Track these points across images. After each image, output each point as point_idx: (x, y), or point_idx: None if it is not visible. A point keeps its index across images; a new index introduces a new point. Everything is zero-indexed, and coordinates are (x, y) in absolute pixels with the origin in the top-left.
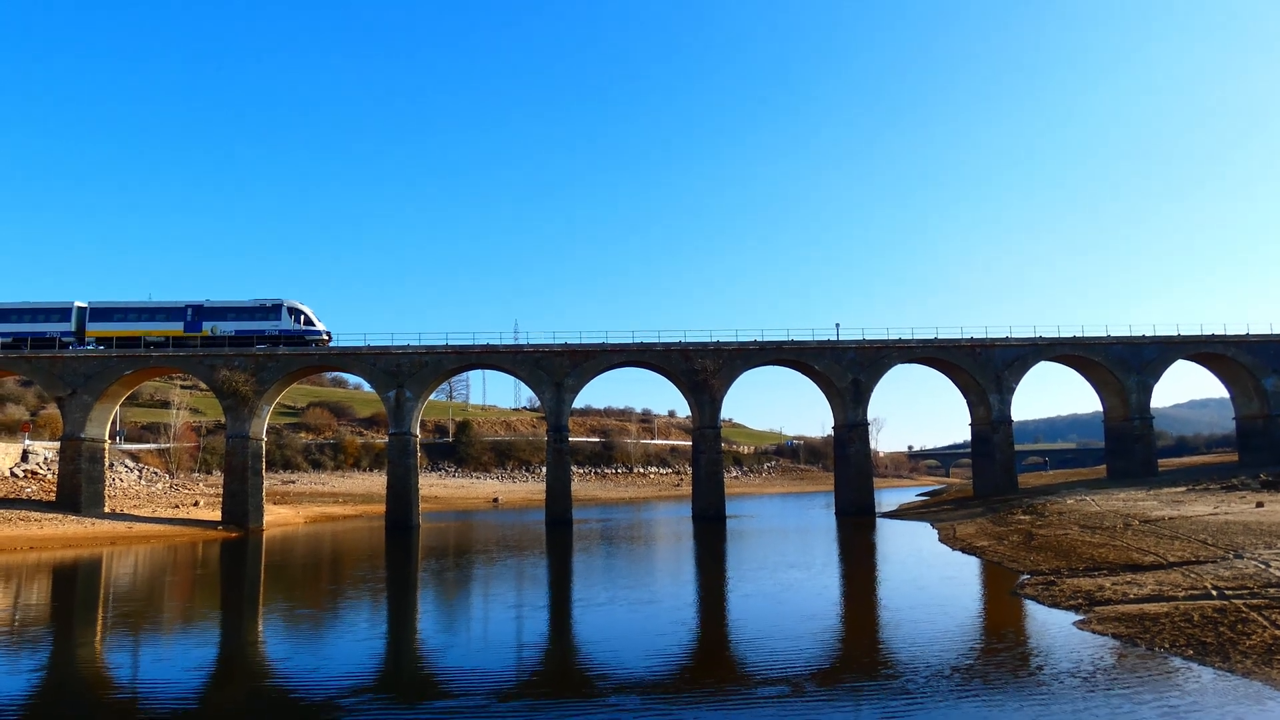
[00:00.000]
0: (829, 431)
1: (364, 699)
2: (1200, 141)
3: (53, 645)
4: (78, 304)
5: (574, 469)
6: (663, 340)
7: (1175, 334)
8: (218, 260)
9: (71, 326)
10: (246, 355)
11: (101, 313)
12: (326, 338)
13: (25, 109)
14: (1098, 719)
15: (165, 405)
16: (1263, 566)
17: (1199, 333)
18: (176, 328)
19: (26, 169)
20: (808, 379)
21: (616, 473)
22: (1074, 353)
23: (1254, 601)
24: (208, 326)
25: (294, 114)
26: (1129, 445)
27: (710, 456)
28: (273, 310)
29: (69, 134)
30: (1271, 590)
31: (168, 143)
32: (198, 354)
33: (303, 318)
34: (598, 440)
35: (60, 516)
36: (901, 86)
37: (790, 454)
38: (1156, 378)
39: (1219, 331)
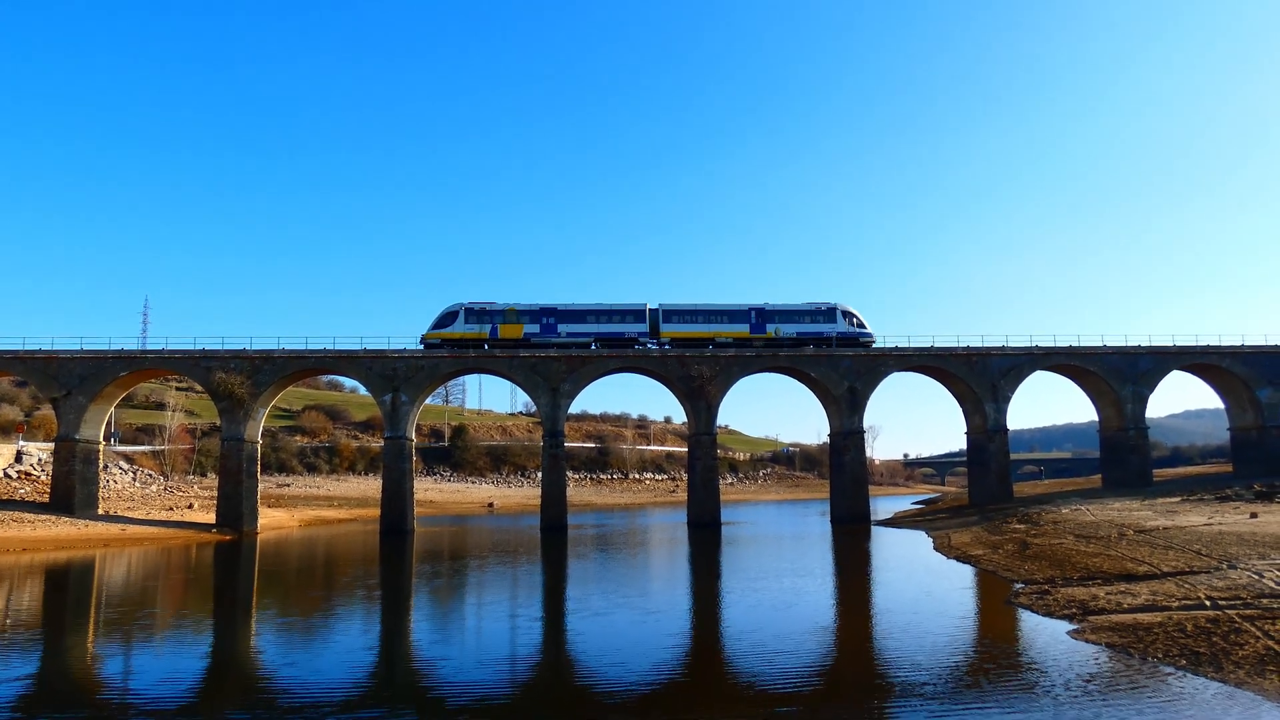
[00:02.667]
0: (825, 439)
1: (356, 713)
2: (1197, 154)
3: (44, 648)
4: (650, 306)
5: (570, 474)
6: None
7: (1171, 345)
8: (212, 261)
9: (646, 327)
10: (242, 357)
11: (672, 314)
12: (872, 340)
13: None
14: None
15: (160, 407)
16: (1256, 577)
17: (1194, 344)
18: (742, 329)
19: (25, 170)
20: (804, 386)
21: (612, 478)
22: (1070, 362)
23: (1247, 612)
24: (771, 328)
25: (288, 114)
26: (1124, 455)
27: (706, 463)
28: (828, 313)
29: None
30: (1265, 601)
31: (156, 144)
32: (194, 356)
33: (855, 320)
34: (593, 446)
35: (54, 518)
36: (899, 97)
37: (786, 461)
38: (1152, 388)
39: (1214, 343)
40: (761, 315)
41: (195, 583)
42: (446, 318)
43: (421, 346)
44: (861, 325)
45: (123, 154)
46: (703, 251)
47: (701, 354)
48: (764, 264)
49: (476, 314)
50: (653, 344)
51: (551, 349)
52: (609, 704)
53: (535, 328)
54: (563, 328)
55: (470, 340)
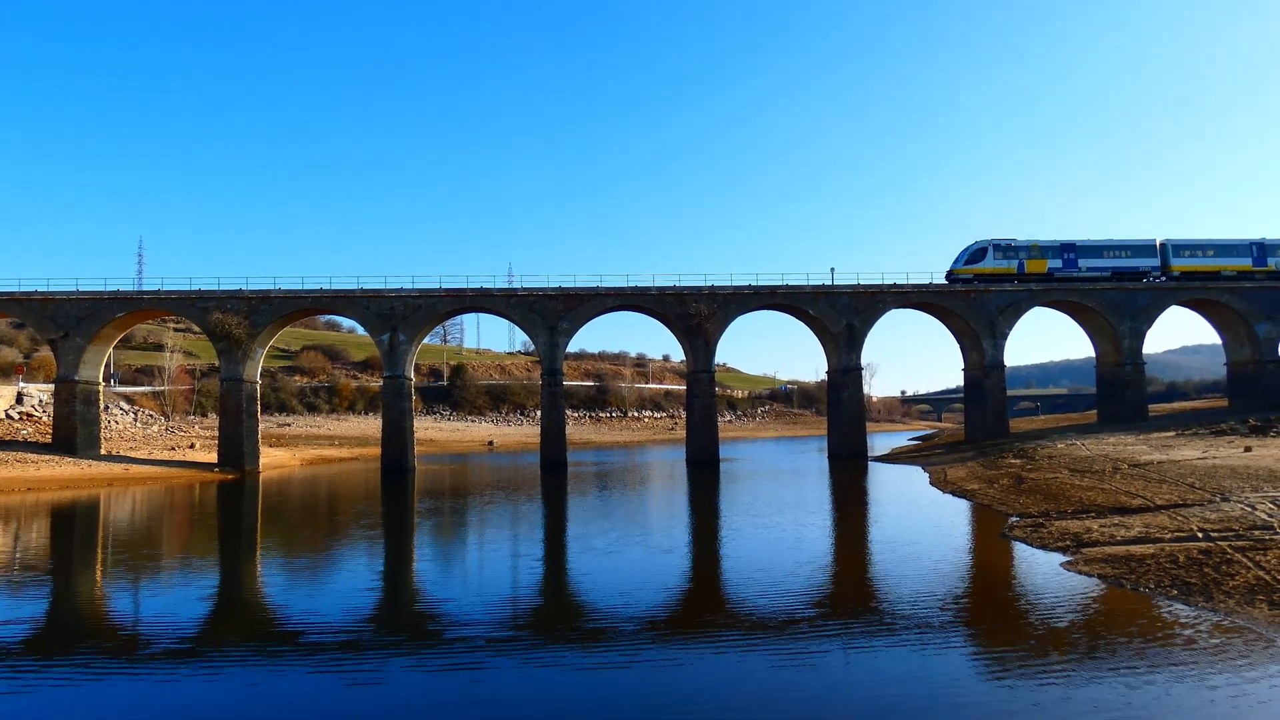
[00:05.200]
0: (823, 376)
1: (360, 652)
2: (1197, 88)
3: (53, 585)
4: (1159, 240)
5: (568, 412)
6: (657, 284)
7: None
8: (214, 201)
9: (1157, 262)
10: (239, 298)
11: (1181, 249)
12: None
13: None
14: (1082, 655)
15: (159, 348)
16: (1249, 509)
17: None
18: (1245, 263)
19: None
20: (802, 323)
21: (611, 416)
22: (1068, 298)
23: (1239, 543)
24: (1272, 262)
25: (284, 47)
26: (1120, 390)
27: (704, 400)
28: None
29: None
30: (1256, 532)
31: (150, 83)
32: (190, 296)
33: None
34: (592, 384)
35: (57, 458)
36: (898, 31)
37: (784, 398)
38: (1150, 323)
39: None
40: (1263, 249)
41: (199, 521)
42: (976, 254)
43: (946, 281)
44: None
45: (115, 94)
46: (690, 195)
47: (699, 291)
48: (757, 204)
49: (1004, 250)
50: (1172, 278)
51: (1072, 283)
52: (616, 641)
53: (1058, 263)
54: (1083, 262)
55: (1000, 275)
